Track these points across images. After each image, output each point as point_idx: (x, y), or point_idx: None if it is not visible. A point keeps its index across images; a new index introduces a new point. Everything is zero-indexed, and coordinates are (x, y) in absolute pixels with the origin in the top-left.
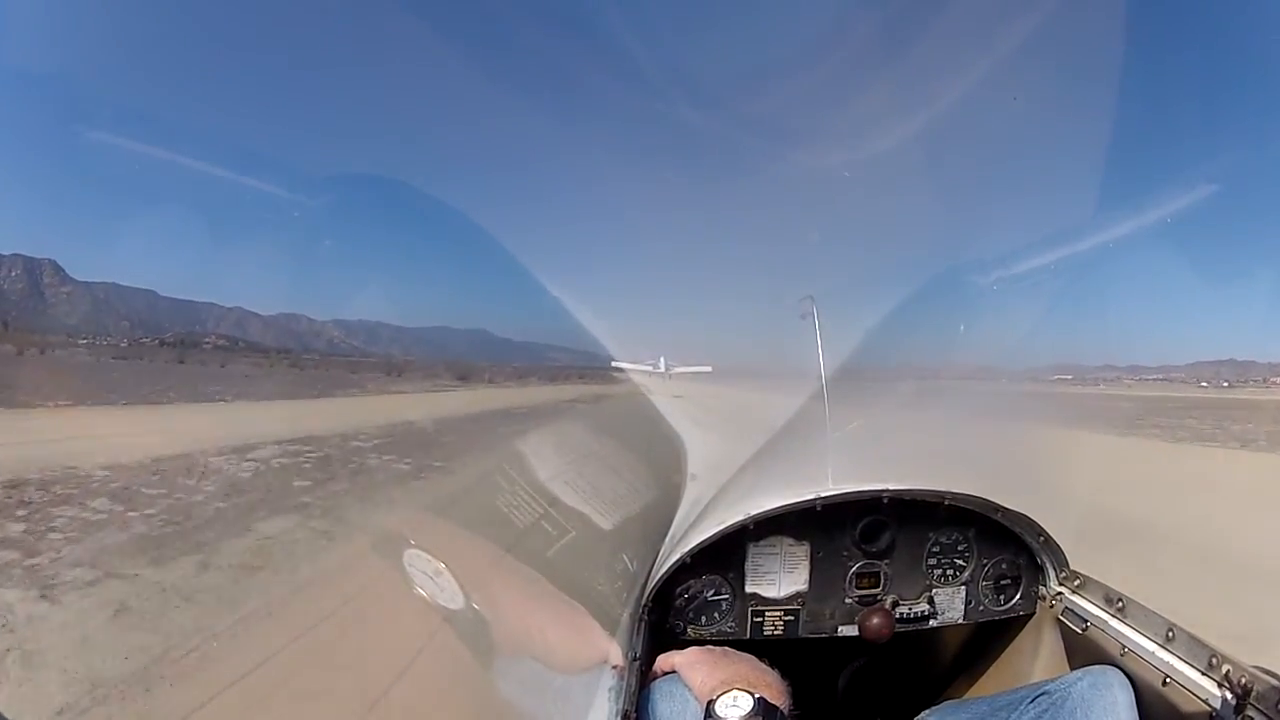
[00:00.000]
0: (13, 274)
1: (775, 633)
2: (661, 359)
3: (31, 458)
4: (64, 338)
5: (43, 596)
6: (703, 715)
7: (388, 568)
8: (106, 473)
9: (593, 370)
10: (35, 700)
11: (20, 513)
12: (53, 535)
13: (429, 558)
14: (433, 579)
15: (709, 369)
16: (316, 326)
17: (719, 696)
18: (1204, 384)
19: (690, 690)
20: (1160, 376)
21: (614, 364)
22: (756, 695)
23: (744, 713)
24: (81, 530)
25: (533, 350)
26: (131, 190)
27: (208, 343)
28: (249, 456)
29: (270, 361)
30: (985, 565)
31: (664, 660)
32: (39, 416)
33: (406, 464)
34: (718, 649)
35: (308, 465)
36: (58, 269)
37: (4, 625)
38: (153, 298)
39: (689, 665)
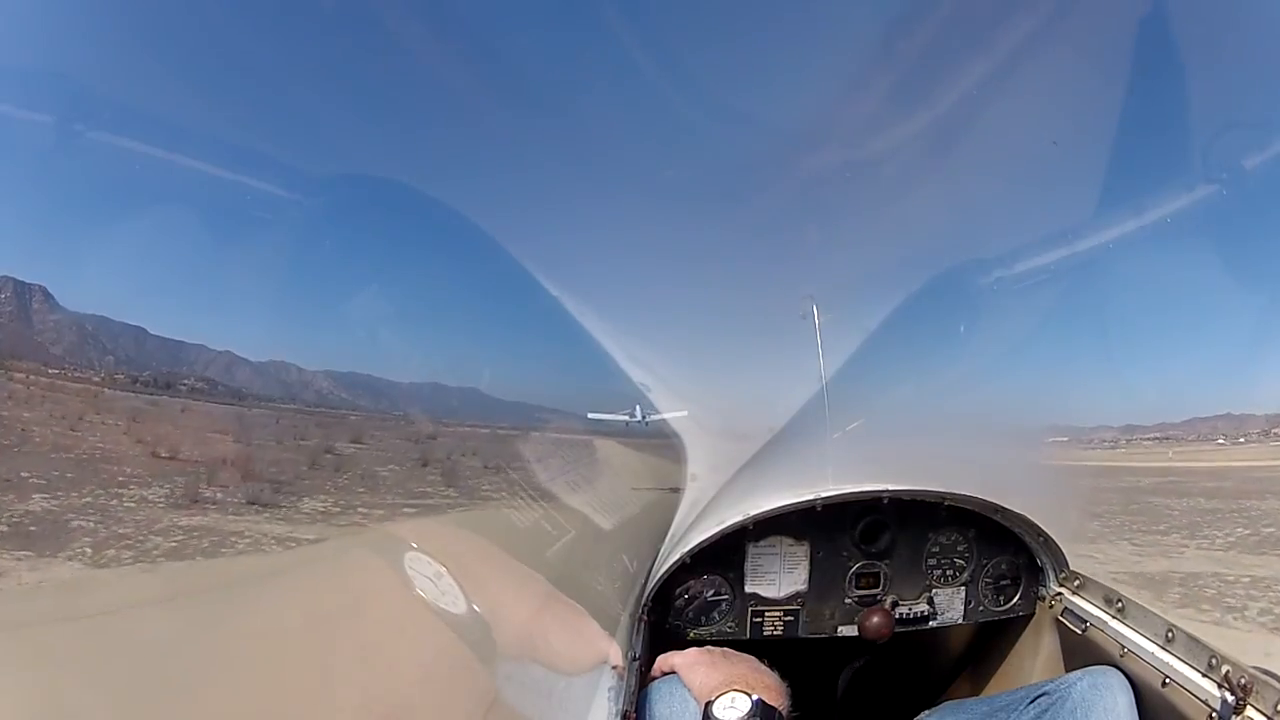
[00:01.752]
0: (2, 296)
1: (775, 633)
2: (637, 407)
3: None
4: (38, 365)
5: None
6: (701, 717)
7: (387, 569)
8: None
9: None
10: None
11: None
12: None
13: (429, 560)
14: (433, 581)
15: (685, 413)
16: (306, 377)
17: (717, 698)
18: (1221, 440)
19: (689, 691)
20: (1158, 435)
21: (589, 415)
22: (754, 697)
23: (741, 714)
24: None
25: (521, 411)
26: (124, 193)
27: (184, 384)
28: None
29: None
30: (985, 566)
31: (663, 661)
32: None
33: None
34: (717, 650)
35: None
36: (47, 295)
37: None
38: (141, 335)
39: (688, 666)
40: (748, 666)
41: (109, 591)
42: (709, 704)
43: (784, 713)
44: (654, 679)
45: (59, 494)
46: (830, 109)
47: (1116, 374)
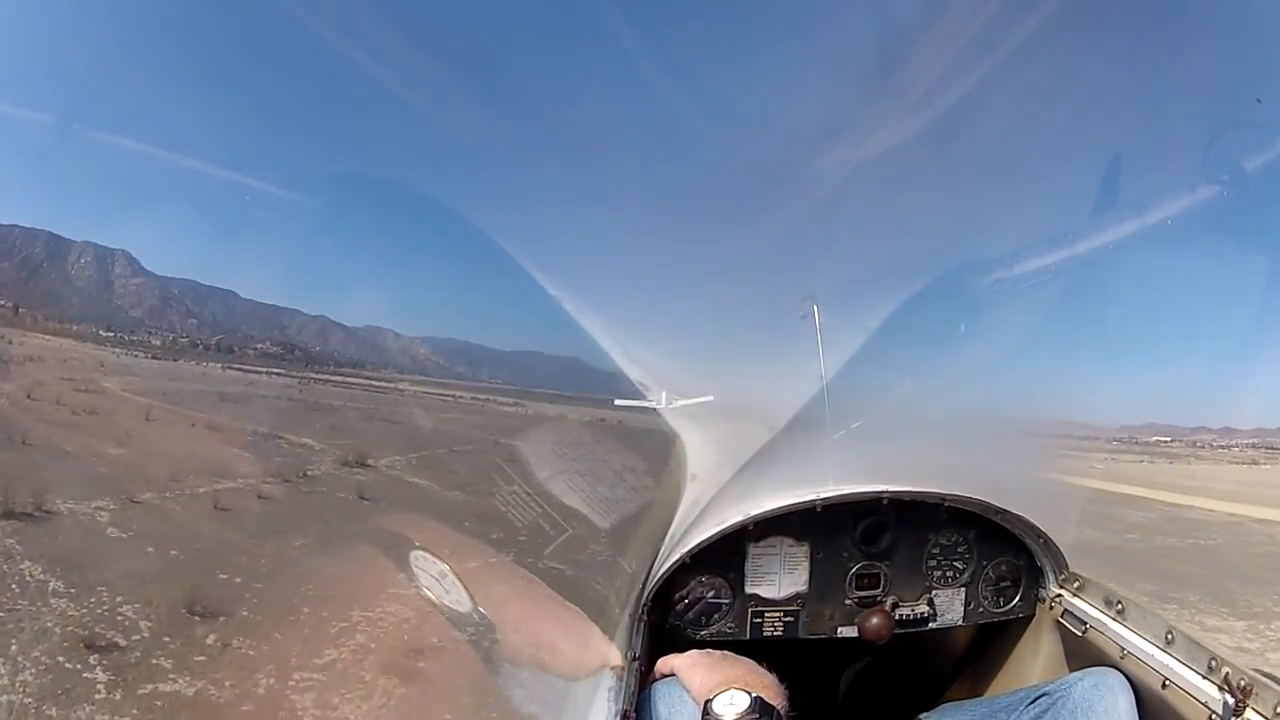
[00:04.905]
0: (82, 260)
1: (775, 633)
2: (663, 394)
3: None
4: (93, 329)
5: None
6: (700, 714)
7: (392, 571)
8: None
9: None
10: None
11: None
12: None
13: (434, 559)
14: (438, 580)
15: (710, 398)
16: (403, 343)
17: (716, 695)
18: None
19: (689, 692)
20: (1255, 441)
21: (616, 402)
22: (753, 694)
23: (740, 710)
24: None
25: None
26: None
27: (253, 349)
28: None
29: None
30: (985, 567)
31: (664, 663)
32: None
33: None
34: (717, 652)
35: None
36: (131, 260)
37: None
38: (232, 299)
39: (688, 668)
40: (746, 668)
41: None
42: (708, 701)
43: (782, 712)
44: (654, 681)
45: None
46: (831, 110)
47: (1117, 373)
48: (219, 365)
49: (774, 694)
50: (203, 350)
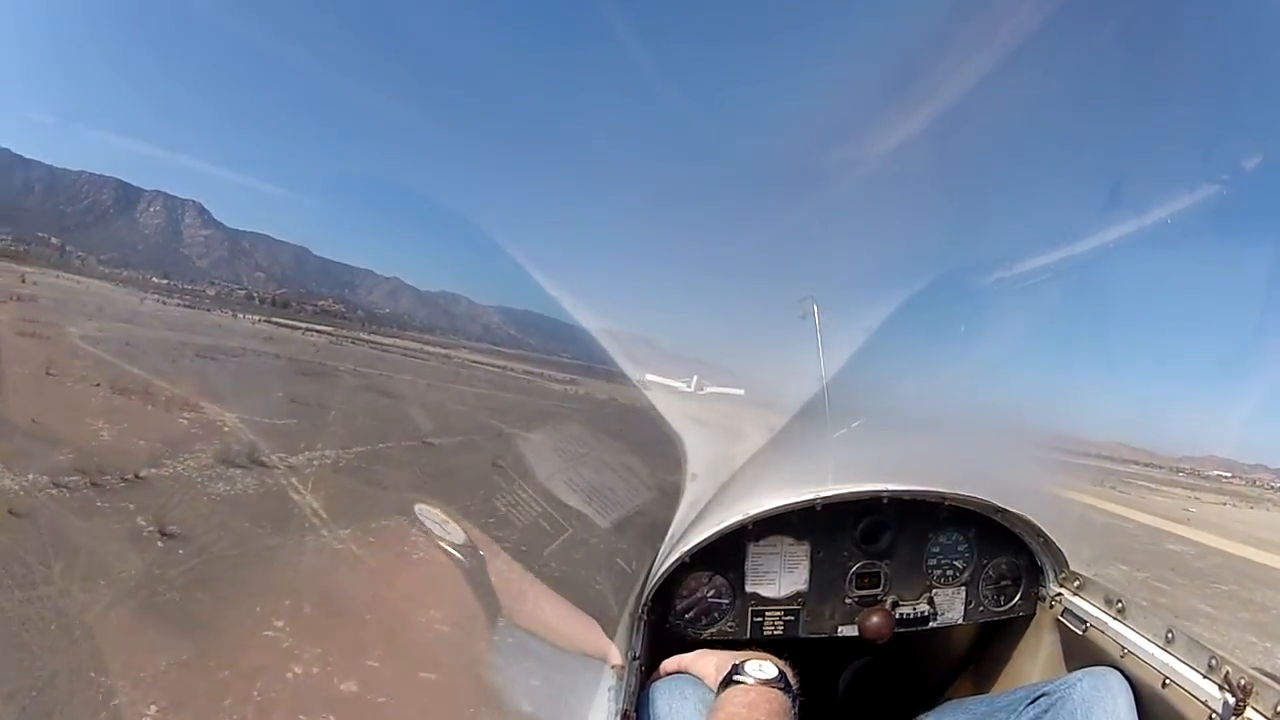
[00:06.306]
0: (151, 209)
1: (775, 633)
2: (695, 377)
3: None
4: (144, 275)
5: None
6: (725, 680)
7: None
8: None
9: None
10: None
11: None
12: None
13: (432, 509)
14: (440, 525)
15: (741, 391)
16: (476, 310)
17: (744, 662)
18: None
19: (701, 679)
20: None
21: (647, 377)
22: (780, 668)
23: (769, 676)
24: None
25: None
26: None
27: (311, 306)
28: None
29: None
30: (985, 566)
31: (669, 661)
32: None
33: None
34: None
35: None
36: (201, 210)
37: None
38: (303, 254)
39: (698, 657)
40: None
41: None
42: (736, 666)
43: (798, 693)
44: (658, 678)
45: None
46: (832, 112)
47: (1116, 374)
48: (253, 319)
49: (791, 677)
50: (258, 304)
